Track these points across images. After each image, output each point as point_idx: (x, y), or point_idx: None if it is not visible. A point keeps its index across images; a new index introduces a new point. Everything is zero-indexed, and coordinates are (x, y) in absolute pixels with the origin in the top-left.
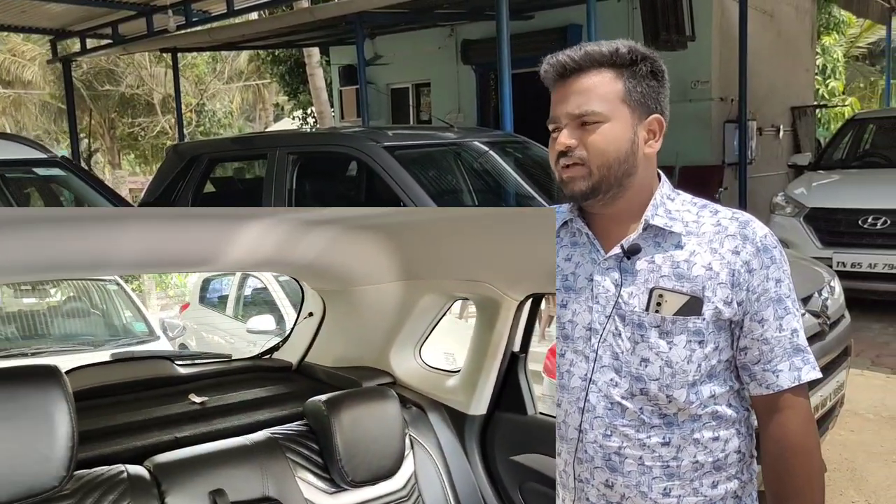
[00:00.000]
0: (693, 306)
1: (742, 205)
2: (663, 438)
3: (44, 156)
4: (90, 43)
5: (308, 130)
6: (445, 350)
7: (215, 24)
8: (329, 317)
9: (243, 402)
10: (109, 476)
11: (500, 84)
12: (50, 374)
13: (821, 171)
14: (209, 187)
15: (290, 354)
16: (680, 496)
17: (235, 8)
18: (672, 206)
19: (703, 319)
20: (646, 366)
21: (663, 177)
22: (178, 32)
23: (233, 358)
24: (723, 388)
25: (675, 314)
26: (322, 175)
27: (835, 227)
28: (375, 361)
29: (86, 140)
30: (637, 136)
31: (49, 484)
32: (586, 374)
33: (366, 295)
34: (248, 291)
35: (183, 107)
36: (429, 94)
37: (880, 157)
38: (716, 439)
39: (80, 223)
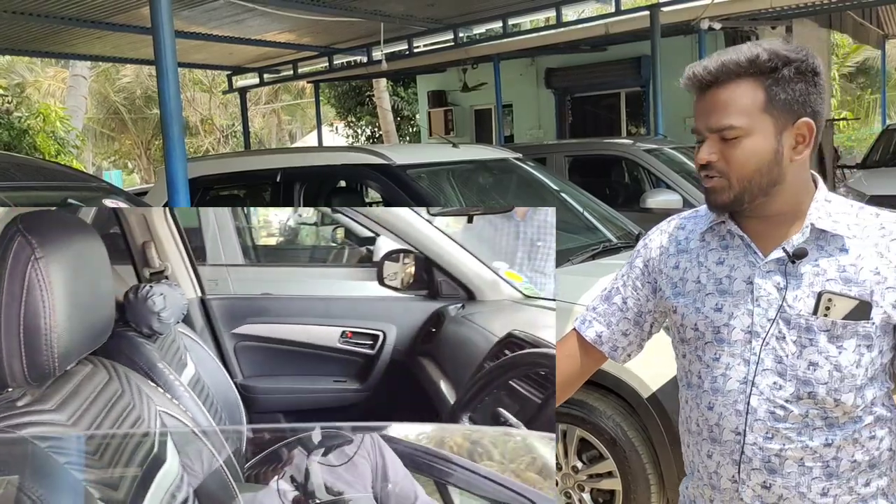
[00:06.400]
0: (862, 310)
1: None
2: (826, 440)
3: None
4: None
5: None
6: None
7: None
8: None
9: None
10: None
11: (657, 97)
12: None
13: (868, 169)
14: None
15: None
16: (836, 495)
17: (415, 51)
18: (832, 208)
19: (873, 324)
20: (814, 370)
21: (819, 179)
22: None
23: None
24: (881, 390)
25: (844, 318)
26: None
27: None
28: None
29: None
30: (782, 144)
31: None
32: (745, 378)
33: None
34: None
35: (217, 130)
36: (509, 113)
37: None
38: (872, 438)
39: None
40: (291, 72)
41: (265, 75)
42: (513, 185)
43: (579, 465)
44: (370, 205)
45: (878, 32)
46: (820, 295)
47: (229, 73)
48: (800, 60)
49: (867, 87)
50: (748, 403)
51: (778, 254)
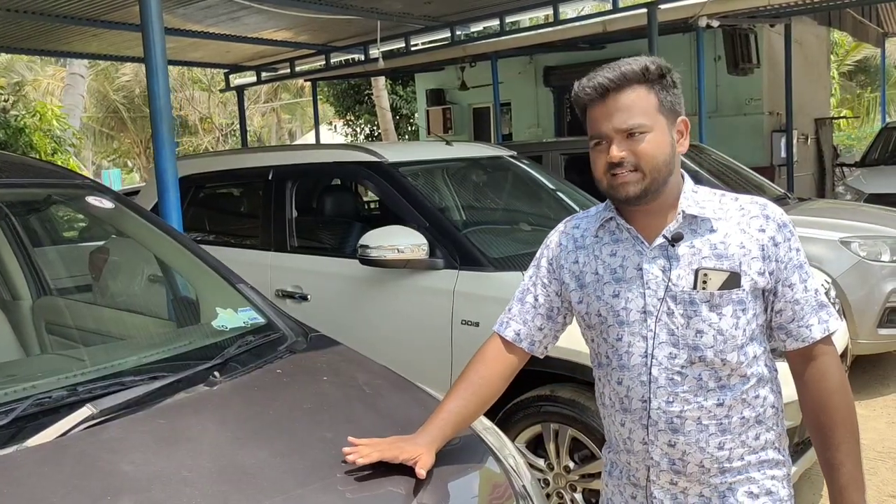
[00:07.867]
0: (733, 280)
1: None
2: (718, 400)
3: None
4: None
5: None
6: None
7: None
8: None
9: None
10: None
11: None
12: None
13: (867, 167)
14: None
15: None
16: (731, 448)
17: (412, 49)
18: (698, 197)
19: (743, 290)
20: (701, 336)
21: (684, 173)
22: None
23: None
24: (760, 348)
25: (719, 289)
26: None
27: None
28: None
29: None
30: (673, 139)
31: None
32: (646, 352)
33: None
34: None
35: (216, 129)
36: (507, 112)
37: None
38: (757, 397)
39: None
40: (289, 70)
41: (262, 74)
42: (507, 183)
43: (571, 464)
44: (366, 203)
45: (878, 30)
46: (697, 271)
47: (226, 71)
48: (672, 71)
49: (866, 86)
50: (650, 374)
51: (660, 240)
